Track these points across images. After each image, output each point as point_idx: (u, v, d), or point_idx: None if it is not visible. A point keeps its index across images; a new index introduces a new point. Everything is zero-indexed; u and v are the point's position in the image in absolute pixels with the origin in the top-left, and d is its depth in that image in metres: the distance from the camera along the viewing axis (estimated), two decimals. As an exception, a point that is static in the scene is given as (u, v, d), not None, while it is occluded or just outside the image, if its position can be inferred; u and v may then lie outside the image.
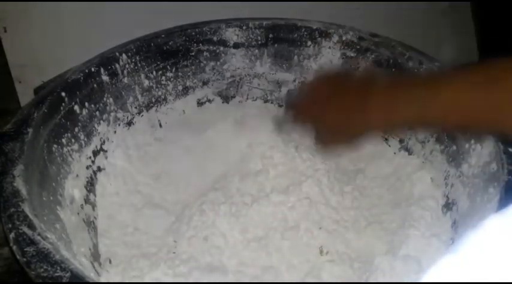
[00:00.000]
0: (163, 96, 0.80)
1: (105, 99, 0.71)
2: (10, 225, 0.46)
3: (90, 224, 0.64)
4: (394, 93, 0.50)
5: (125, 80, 0.74)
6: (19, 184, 0.50)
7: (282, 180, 0.74)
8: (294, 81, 0.84)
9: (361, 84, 0.54)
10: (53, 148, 0.60)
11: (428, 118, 0.48)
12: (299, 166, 0.75)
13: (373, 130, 0.55)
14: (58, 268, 0.42)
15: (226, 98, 0.85)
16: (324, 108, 0.56)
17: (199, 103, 0.84)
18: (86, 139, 0.68)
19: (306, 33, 0.81)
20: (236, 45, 0.82)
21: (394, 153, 0.77)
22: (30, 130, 0.56)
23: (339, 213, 0.69)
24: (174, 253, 0.63)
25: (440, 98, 0.46)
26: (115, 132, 0.73)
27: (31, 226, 0.46)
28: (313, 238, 0.65)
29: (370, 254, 0.62)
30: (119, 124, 0.74)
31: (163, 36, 0.77)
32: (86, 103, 0.68)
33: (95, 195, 0.68)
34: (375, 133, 0.58)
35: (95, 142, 0.70)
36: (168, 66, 0.79)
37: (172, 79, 0.80)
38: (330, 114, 0.55)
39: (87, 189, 0.66)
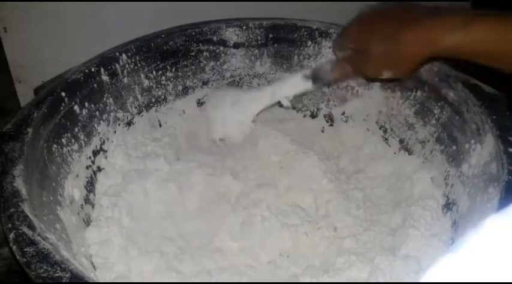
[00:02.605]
0: (163, 96, 0.80)
1: (105, 99, 0.71)
2: (10, 225, 0.46)
3: (90, 224, 0.64)
4: (436, 23, 0.56)
5: (125, 80, 0.74)
6: (19, 184, 0.50)
7: (282, 178, 0.74)
8: (294, 81, 0.84)
9: (404, 15, 0.59)
10: (53, 148, 0.60)
11: (466, 48, 0.54)
12: (300, 166, 0.75)
13: (419, 59, 0.59)
14: (58, 268, 0.42)
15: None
16: (372, 37, 0.60)
17: (199, 103, 0.84)
18: (85, 139, 0.68)
19: (306, 33, 0.81)
20: (236, 45, 0.82)
21: (394, 153, 0.77)
22: (30, 130, 0.56)
23: (339, 212, 0.69)
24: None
25: (477, 29, 0.53)
26: (115, 132, 0.74)
27: (31, 226, 0.46)
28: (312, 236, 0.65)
29: (370, 254, 0.62)
30: (119, 124, 0.74)
31: (163, 36, 0.77)
32: (86, 103, 0.68)
33: (94, 195, 0.68)
34: (420, 63, 0.61)
35: (95, 142, 0.70)
36: (168, 66, 0.79)
37: (172, 79, 0.80)
38: (377, 44, 0.60)
39: (87, 189, 0.66)
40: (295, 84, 0.74)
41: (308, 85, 0.74)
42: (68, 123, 0.64)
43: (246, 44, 0.82)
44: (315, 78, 0.73)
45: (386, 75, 0.62)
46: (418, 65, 0.61)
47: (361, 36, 0.63)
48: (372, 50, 0.60)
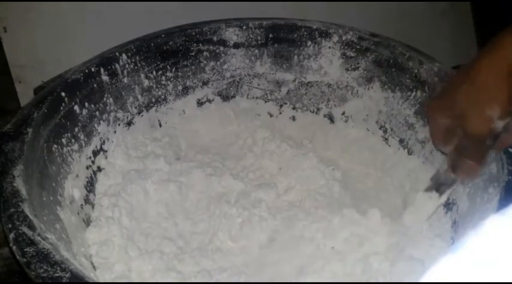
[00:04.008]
0: (163, 96, 0.80)
1: (105, 99, 0.71)
2: (10, 225, 0.46)
3: (90, 224, 0.64)
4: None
5: (125, 80, 0.74)
6: (19, 184, 0.50)
7: (282, 178, 0.74)
8: (294, 81, 0.84)
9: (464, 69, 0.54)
10: (53, 148, 0.60)
11: None
12: (300, 166, 0.75)
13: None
14: (58, 268, 0.42)
15: (226, 98, 0.85)
16: (453, 94, 0.54)
17: (199, 103, 0.84)
18: (85, 139, 0.68)
19: (306, 33, 0.81)
20: (236, 45, 0.82)
21: (394, 153, 0.77)
22: (30, 130, 0.56)
23: (339, 212, 0.69)
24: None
25: None
26: (115, 132, 0.74)
27: (31, 227, 0.46)
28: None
29: (370, 254, 0.62)
30: (119, 124, 0.74)
31: (163, 36, 0.77)
32: (86, 103, 0.68)
33: (94, 195, 0.68)
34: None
35: (95, 142, 0.70)
36: (168, 66, 0.79)
37: (172, 79, 0.80)
38: (461, 92, 0.53)
39: (87, 189, 0.66)
40: (422, 207, 0.63)
41: (436, 200, 0.62)
42: (68, 123, 0.64)
43: (246, 44, 0.82)
44: (438, 187, 0.61)
45: (490, 111, 0.51)
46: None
47: (445, 103, 0.56)
48: (459, 99, 0.53)
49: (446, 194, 0.61)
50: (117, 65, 0.72)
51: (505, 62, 0.50)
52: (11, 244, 0.45)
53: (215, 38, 0.80)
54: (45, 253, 0.44)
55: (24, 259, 0.43)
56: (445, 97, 0.56)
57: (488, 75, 0.51)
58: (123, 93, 0.74)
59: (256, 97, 0.86)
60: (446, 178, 0.60)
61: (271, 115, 0.86)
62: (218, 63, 0.82)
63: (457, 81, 0.54)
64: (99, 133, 0.70)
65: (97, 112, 0.70)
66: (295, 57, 0.83)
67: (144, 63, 0.76)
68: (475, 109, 0.52)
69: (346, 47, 0.80)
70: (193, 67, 0.81)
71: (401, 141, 0.77)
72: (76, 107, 0.66)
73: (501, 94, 0.50)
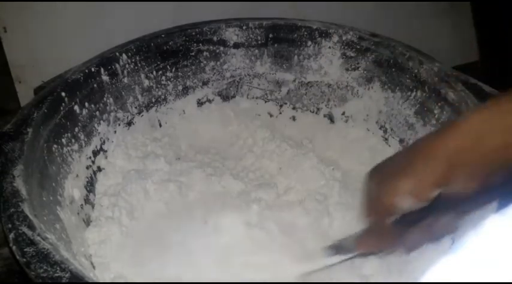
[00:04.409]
0: (163, 96, 0.80)
1: (105, 99, 0.71)
2: (10, 225, 0.46)
3: (90, 224, 0.64)
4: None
5: (125, 80, 0.74)
6: (19, 184, 0.50)
7: (282, 178, 0.74)
8: (294, 81, 0.84)
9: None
10: (53, 148, 0.60)
11: None
12: (300, 166, 0.75)
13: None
14: (58, 268, 0.42)
15: (226, 98, 0.85)
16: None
17: (199, 103, 0.84)
18: (86, 139, 0.68)
19: (306, 33, 0.81)
20: (236, 45, 0.82)
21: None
22: (30, 130, 0.56)
23: (339, 212, 0.69)
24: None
25: None
26: (115, 132, 0.74)
27: (31, 227, 0.46)
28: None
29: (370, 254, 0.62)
30: (119, 124, 0.74)
31: (163, 36, 0.77)
32: (86, 103, 0.68)
33: (94, 195, 0.68)
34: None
35: (95, 142, 0.70)
36: (168, 66, 0.79)
37: (172, 79, 0.80)
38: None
39: (87, 189, 0.66)
40: None
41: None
42: (68, 123, 0.64)
43: (246, 44, 0.82)
44: (339, 249, 0.56)
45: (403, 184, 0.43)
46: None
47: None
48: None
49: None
50: (117, 65, 0.72)
51: (455, 143, 0.40)
52: (10, 244, 0.45)
53: (215, 38, 0.80)
54: (45, 253, 0.44)
55: (24, 259, 0.43)
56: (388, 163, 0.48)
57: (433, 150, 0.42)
58: (123, 93, 0.74)
59: (256, 97, 0.86)
60: (348, 243, 0.54)
61: (271, 115, 0.86)
62: (218, 63, 0.82)
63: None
64: (99, 133, 0.70)
65: (97, 112, 0.70)
66: (295, 57, 0.83)
67: (144, 63, 0.76)
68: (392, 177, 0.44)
69: (346, 47, 0.80)
70: (193, 67, 0.81)
71: (401, 141, 0.77)
72: (76, 107, 0.66)
73: (428, 173, 0.41)
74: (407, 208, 0.43)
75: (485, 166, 0.38)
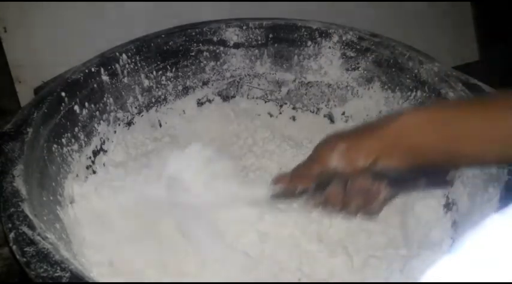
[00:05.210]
0: (163, 96, 0.80)
1: (105, 99, 0.71)
2: (10, 225, 0.46)
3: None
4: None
5: (125, 80, 0.74)
6: (19, 184, 0.50)
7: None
8: (294, 81, 0.84)
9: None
10: (53, 148, 0.60)
11: None
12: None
13: None
14: (58, 268, 0.42)
15: (226, 98, 0.85)
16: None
17: (199, 103, 0.84)
18: (86, 139, 0.68)
19: (306, 33, 0.81)
20: (236, 45, 0.82)
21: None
22: (30, 130, 0.56)
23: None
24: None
25: None
26: (115, 132, 0.74)
27: (31, 226, 0.46)
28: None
29: (370, 254, 0.62)
30: (119, 124, 0.74)
31: (163, 36, 0.77)
32: (86, 103, 0.68)
33: (94, 195, 0.68)
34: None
35: (95, 142, 0.70)
36: (168, 66, 0.79)
37: (172, 79, 0.80)
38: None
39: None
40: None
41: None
42: (68, 123, 0.64)
43: (246, 44, 0.82)
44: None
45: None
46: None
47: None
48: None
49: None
50: (117, 65, 0.72)
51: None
52: (11, 244, 0.45)
53: (215, 38, 0.80)
54: (45, 252, 0.44)
55: (24, 259, 0.43)
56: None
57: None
58: (123, 93, 0.74)
59: (256, 97, 0.86)
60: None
61: (271, 115, 0.86)
62: (218, 63, 0.82)
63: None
64: (99, 133, 0.70)
65: (97, 112, 0.70)
66: (295, 57, 0.83)
67: (144, 63, 0.76)
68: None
69: (346, 47, 0.80)
70: (193, 67, 0.81)
71: (401, 141, 0.77)
72: (76, 107, 0.66)
73: (367, 145, 0.48)
74: (336, 167, 0.49)
75: (409, 154, 0.47)
